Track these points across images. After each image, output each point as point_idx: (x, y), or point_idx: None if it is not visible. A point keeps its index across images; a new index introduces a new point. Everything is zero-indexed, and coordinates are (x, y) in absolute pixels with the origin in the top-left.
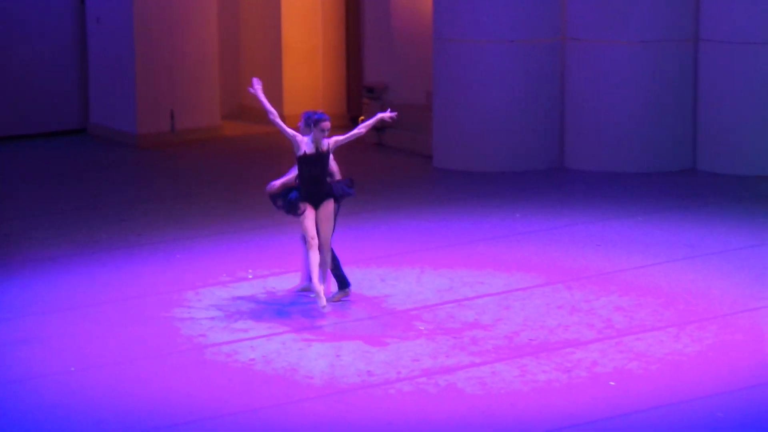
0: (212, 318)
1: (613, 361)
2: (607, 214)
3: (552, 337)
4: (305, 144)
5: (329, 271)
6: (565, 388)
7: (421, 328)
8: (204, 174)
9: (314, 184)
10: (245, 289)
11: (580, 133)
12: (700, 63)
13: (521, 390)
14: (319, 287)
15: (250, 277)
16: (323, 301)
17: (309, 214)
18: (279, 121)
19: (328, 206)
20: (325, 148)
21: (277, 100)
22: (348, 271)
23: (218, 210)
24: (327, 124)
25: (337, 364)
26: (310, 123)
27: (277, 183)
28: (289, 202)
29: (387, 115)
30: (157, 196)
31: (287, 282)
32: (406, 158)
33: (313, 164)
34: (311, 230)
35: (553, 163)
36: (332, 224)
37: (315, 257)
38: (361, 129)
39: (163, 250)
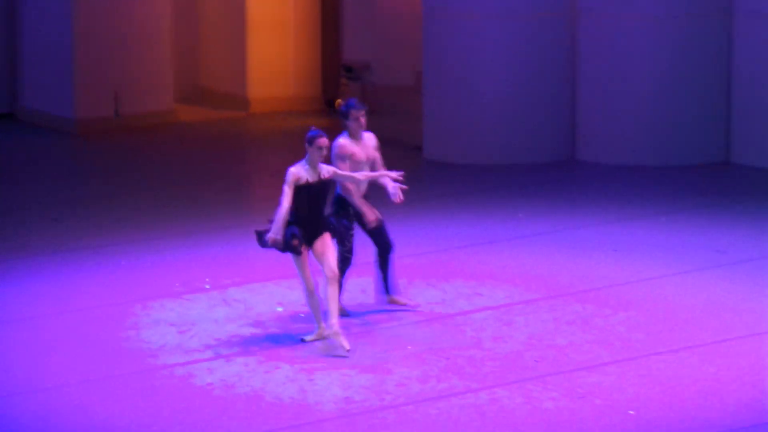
0: (163, 335)
1: (632, 387)
2: (625, 215)
3: (561, 359)
4: (305, 171)
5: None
6: (577, 419)
7: (408, 347)
8: (154, 166)
9: (314, 219)
10: (202, 301)
11: (594, 120)
12: (736, 39)
13: (525, 420)
14: (338, 328)
15: (208, 287)
16: (346, 344)
17: (305, 260)
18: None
19: (325, 238)
20: (325, 175)
21: (240, 82)
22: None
23: (171, 208)
24: (324, 141)
25: (310, 390)
26: (305, 142)
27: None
28: (287, 242)
29: (394, 175)
30: (99, 191)
31: (250, 293)
32: (391, 149)
33: (315, 195)
34: (310, 281)
35: (563, 155)
36: (335, 252)
37: (334, 293)
38: (358, 176)
39: (106, 255)
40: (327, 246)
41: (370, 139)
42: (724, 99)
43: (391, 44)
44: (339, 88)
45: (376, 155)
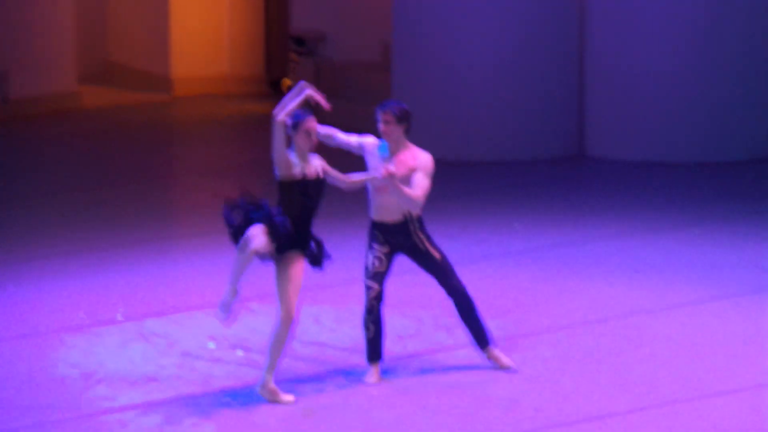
0: (62, 380)
1: None
2: (647, 224)
3: (567, 407)
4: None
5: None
6: None
7: (373, 392)
8: (51, 164)
9: (301, 227)
10: (113, 335)
11: (605, 109)
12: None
13: None
14: (273, 386)
15: (120, 318)
16: (288, 398)
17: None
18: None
19: (298, 262)
20: (315, 171)
21: (160, 58)
22: (269, 308)
23: (71, 218)
24: (312, 123)
25: None
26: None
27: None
28: (278, 231)
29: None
30: None
31: (174, 326)
32: None
33: (311, 195)
34: (292, 306)
35: (569, 150)
36: (298, 288)
37: (280, 341)
38: (353, 178)
39: None
40: (296, 273)
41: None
42: (764, 84)
43: (351, 11)
44: (287, 65)
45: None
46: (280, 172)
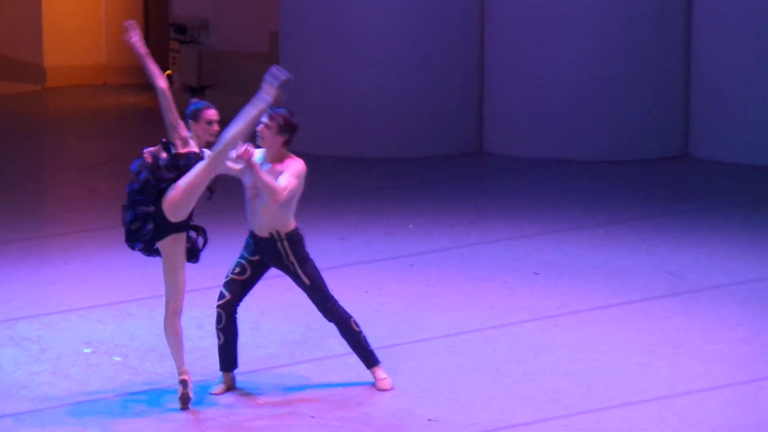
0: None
1: None
2: (548, 224)
3: (465, 417)
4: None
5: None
6: None
7: (260, 401)
8: None
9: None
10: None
11: (508, 101)
12: None
13: None
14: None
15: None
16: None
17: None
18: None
19: (180, 239)
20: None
21: (32, 46)
22: (148, 312)
23: None
24: (213, 113)
25: None
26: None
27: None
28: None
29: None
30: None
31: (47, 329)
32: None
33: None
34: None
35: (467, 147)
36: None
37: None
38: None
39: None
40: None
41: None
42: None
43: None
44: (167, 54)
45: None
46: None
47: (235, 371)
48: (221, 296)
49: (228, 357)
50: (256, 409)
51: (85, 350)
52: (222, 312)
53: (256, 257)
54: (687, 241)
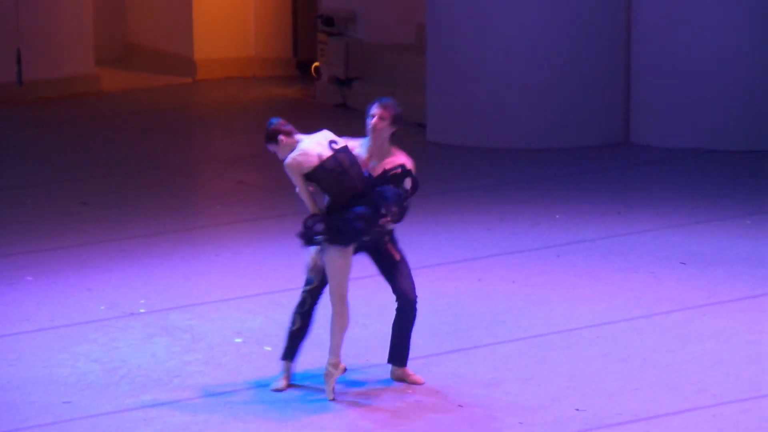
0: (84, 375)
1: None
2: (695, 215)
3: (612, 406)
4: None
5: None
6: None
7: (409, 391)
8: (68, 150)
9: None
10: (135, 330)
11: (655, 92)
12: None
13: None
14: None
15: (143, 311)
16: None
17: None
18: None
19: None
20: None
21: (183, 39)
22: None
23: (90, 207)
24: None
25: None
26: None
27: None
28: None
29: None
30: None
31: (199, 319)
32: None
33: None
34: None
35: (614, 137)
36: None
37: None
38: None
39: (5, 269)
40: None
41: None
42: None
43: None
44: (315, 47)
45: None
46: None
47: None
48: (308, 282)
49: (295, 345)
50: (405, 398)
51: (236, 340)
52: (308, 297)
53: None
54: None
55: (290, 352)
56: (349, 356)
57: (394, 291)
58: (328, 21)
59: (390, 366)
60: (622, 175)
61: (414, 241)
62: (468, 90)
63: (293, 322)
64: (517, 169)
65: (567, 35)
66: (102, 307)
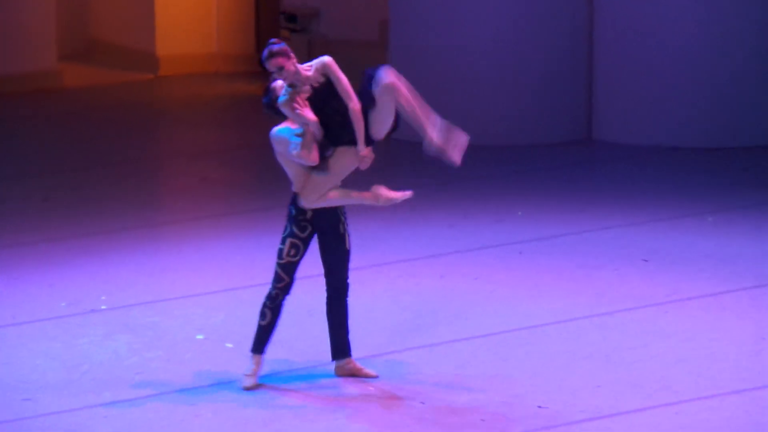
0: (44, 372)
1: None
2: (657, 212)
3: (575, 403)
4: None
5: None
6: None
7: (369, 387)
8: (29, 146)
9: None
10: (96, 326)
11: (617, 88)
12: None
13: None
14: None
15: (104, 307)
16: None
17: None
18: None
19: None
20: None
21: (146, 35)
22: (258, 299)
23: (52, 203)
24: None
25: None
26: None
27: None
28: None
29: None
30: None
31: (161, 316)
32: None
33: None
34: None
35: (576, 134)
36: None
37: None
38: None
39: None
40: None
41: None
42: None
43: None
44: None
45: None
46: None
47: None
48: (280, 279)
49: (265, 338)
50: (367, 395)
51: (198, 336)
52: (279, 293)
53: (307, 232)
54: None
55: (260, 345)
56: (297, 358)
57: (330, 276)
58: (291, 17)
59: (334, 363)
60: (585, 172)
61: (376, 238)
62: (430, 86)
63: (263, 316)
64: (480, 165)
65: (529, 31)
66: (63, 304)
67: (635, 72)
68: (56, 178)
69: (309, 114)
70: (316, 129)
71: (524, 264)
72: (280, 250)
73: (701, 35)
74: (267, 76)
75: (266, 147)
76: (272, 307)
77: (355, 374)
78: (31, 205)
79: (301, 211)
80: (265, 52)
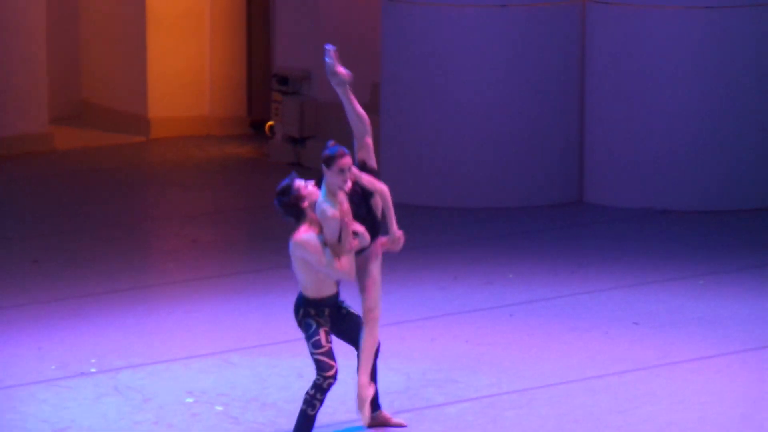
0: None
1: None
2: (648, 275)
3: None
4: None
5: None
6: None
7: None
8: (18, 209)
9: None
10: (86, 389)
11: (609, 151)
12: None
13: None
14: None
15: (93, 370)
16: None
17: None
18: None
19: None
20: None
21: (137, 98)
22: (249, 361)
23: (40, 267)
24: (347, 161)
25: None
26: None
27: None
28: None
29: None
30: None
31: (150, 378)
32: None
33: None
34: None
35: (568, 197)
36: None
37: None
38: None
39: None
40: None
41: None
42: None
43: (339, 46)
44: (270, 105)
45: None
46: None
47: (336, 420)
48: (328, 367)
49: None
50: None
51: (188, 400)
52: (331, 381)
53: (325, 315)
54: None
55: None
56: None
57: (356, 343)
58: (283, 80)
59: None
60: (576, 235)
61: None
62: (422, 149)
63: (313, 407)
64: (471, 227)
65: (522, 96)
66: (53, 367)
67: (627, 135)
68: (46, 240)
69: (359, 226)
70: (363, 240)
71: (515, 327)
72: (317, 341)
73: (690, 101)
74: (263, 141)
75: (257, 210)
76: (322, 398)
77: (385, 424)
78: (20, 267)
79: (313, 305)
80: (336, 150)
